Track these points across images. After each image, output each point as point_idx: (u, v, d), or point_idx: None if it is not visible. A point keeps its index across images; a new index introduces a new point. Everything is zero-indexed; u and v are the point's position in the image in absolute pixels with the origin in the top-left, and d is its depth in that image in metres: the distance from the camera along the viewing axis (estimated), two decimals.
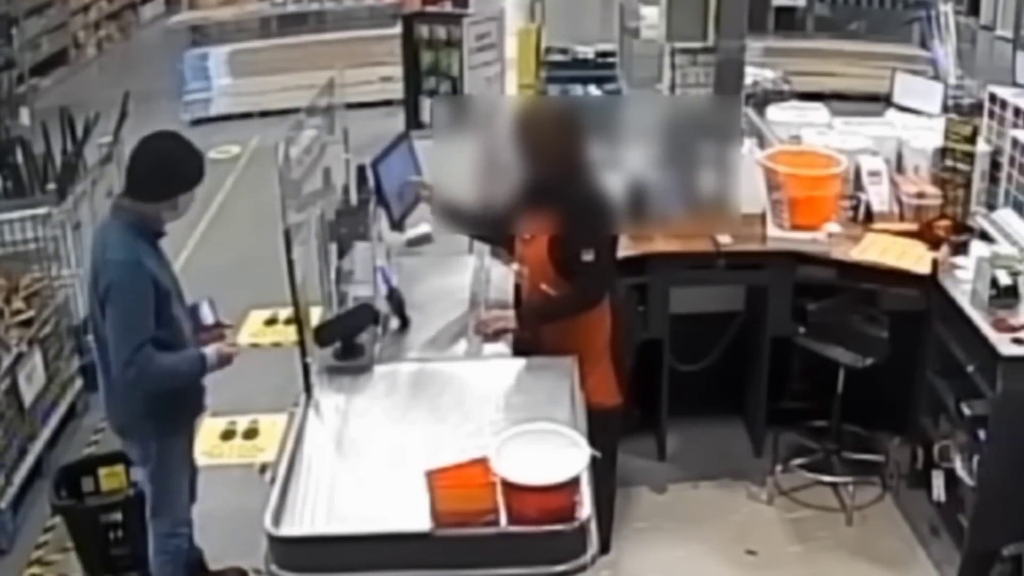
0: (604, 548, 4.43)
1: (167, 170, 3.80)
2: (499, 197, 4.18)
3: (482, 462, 3.05)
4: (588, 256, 3.96)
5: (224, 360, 3.95)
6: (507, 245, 4.37)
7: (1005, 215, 4.90)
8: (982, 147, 5.06)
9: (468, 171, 4.17)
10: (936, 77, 8.22)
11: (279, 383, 4.55)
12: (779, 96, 6.84)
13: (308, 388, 3.75)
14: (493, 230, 4.35)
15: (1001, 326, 4.13)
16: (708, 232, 4.81)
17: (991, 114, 5.20)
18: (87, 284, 3.92)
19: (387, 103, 9.68)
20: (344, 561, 3.04)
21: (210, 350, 3.91)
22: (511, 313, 4.15)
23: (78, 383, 5.83)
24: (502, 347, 4.11)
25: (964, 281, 4.42)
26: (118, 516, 4.45)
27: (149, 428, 3.94)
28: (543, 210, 4.01)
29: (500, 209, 4.18)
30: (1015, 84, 7.14)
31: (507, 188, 4.14)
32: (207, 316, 4.12)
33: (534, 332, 4.08)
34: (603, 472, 4.38)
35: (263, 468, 5.18)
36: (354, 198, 4.50)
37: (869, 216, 5.04)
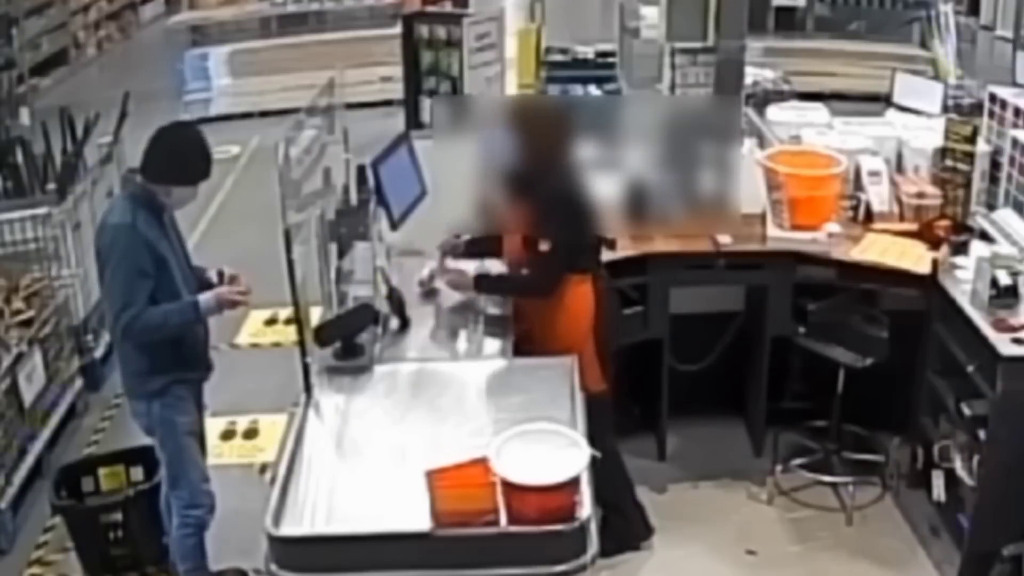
0: (648, 532, 4.63)
1: (172, 158, 3.92)
2: (492, 192, 4.22)
3: (482, 462, 3.05)
4: (544, 246, 4.05)
5: (225, 303, 4.01)
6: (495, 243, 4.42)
7: (1005, 215, 4.90)
8: (982, 147, 5.06)
9: (468, 171, 4.17)
10: (936, 77, 8.22)
11: (279, 383, 4.56)
12: (779, 96, 6.85)
13: (308, 388, 3.76)
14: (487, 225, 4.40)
15: (1001, 326, 4.13)
16: (708, 232, 4.81)
17: (991, 114, 5.20)
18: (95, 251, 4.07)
19: (387, 103, 9.69)
20: (344, 561, 3.04)
21: (206, 295, 3.97)
22: (470, 278, 4.27)
23: (78, 383, 5.83)
24: (502, 347, 4.12)
25: (964, 281, 4.42)
26: (118, 516, 4.45)
27: (152, 386, 4.01)
28: (520, 203, 4.09)
29: (490, 203, 4.23)
30: (1015, 84, 7.13)
31: (497, 183, 4.17)
32: (213, 277, 4.18)
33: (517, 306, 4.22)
34: (610, 466, 4.41)
35: (263, 468, 5.18)
36: (354, 198, 4.50)
37: (869, 216, 5.04)
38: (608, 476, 4.37)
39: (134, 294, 3.82)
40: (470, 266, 4.40)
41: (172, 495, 4.17)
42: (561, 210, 4.06)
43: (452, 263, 4.44)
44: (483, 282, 4.28)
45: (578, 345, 4.07)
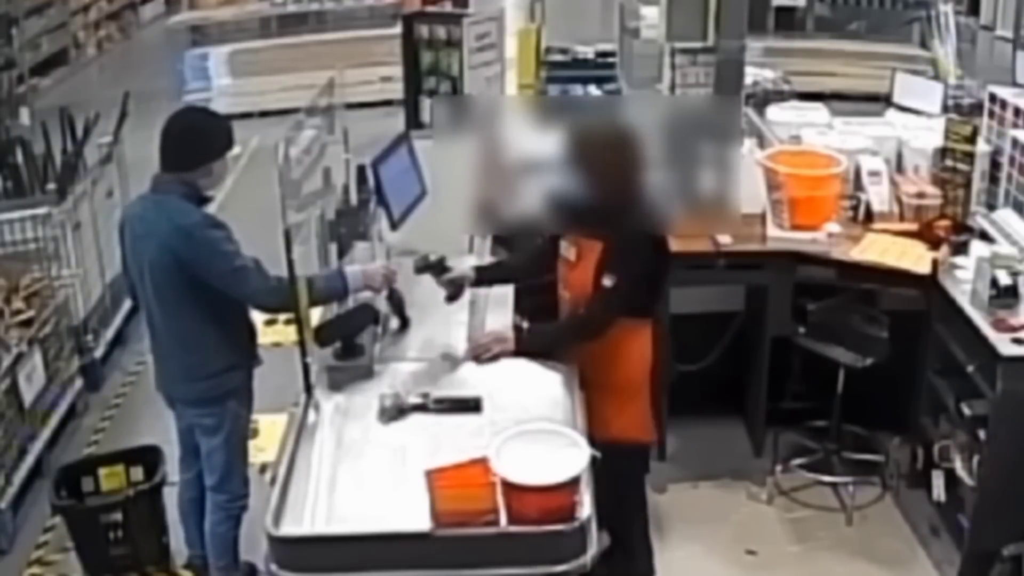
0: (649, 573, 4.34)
1: (198, 138, 3.91)
2: (508, 191, 4.12)
3: (482, 462, 3.05)
4: (608, 282, 3.78)
5: (371, 280, 3.98)
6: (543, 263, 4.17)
7: (1005, 215, 4.90)
8: (982, 147, 5.06)
9: (468, 171, 4.16)
10: (936, 77, 8.22)
11: (279, 383, 4.55)
12: (779, 96, 6.84)
13: (308, 388, 3.75)
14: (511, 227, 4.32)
15: (1001, 326, 4.13)
16: (708, 232, 4.81)
17: (991, 114, 5.20)
18: (151, 258, 3.86)
19: (387, 103, 9.68)
20: (344, 561, 3.04)
21: (353, 268, 3.95)
22: (510, 335, 3.96)
23: (78, 383, 5.83)
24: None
25: (964, 281, 4.42)
26: (118, 516, 4.46)
27: (232, 383, 4.04)
28: (591, 235, 3.86)
29: (510, 203, 4.13)
30: (1015, 84, 7.12)
31: (516, 183, 4.08)
32: None
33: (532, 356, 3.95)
34: (633, 507, 4.20)
35: (263, 468, 5.18)
36: (354, 198, 4.51)
37: (869, 216, 5.04)
38: (628, 514, 4.20)
39: (249, 265, 3.80)
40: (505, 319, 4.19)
41: (220, 489, 4.18)
42: (633, 248, 3.80)
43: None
44: (527, 341, 3.90)
45: (632, 395, 3.91)
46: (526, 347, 3.91)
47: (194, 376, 4.01)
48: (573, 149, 3.78)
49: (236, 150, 4.05)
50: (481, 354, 3.92)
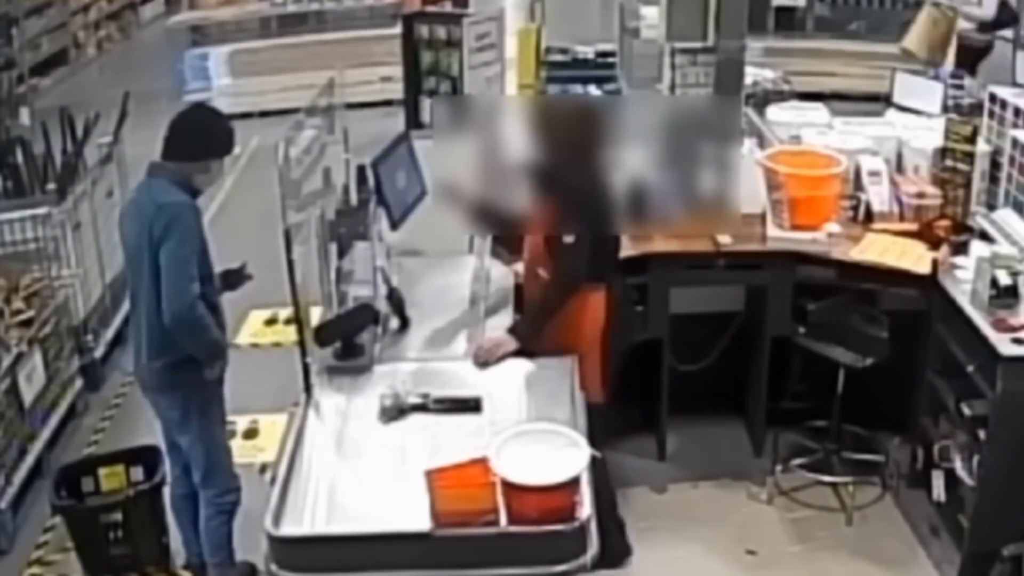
0: (625, 551, 4.46)
1: (201, 135, 4.01)
2: (506, 191, 4.19)
3: (482, 462, 3.06)
4: (568, 239, 4.02)
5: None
6: (513, 242, 4.39)
7: (1005, 215, 4.90)
8: (982, 147, 5.06)
9: (468, 170, 4.17)
10: (936, 77, 8.21)
11: (279, 383, 4.56)
12: (779, 96, 6.83)
13: (308, 388, 3.76)
14: (503, 225, 4.38)
15: (1001, 326, 4.13)
16: (708, 232, 4.81)
17: (991, 114, 5.20)
18: (135, 237, 3.95)
19: (387, 103, 9.69)
20: (344, 561, 3.04)
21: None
22: (507, 338, 4.04)
23: (78, 383, 5.84)
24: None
25: (964, 281, 4.42)
26: (118, 516, 4.46)
27: (195, 375, 4.03)
28: (541, 197, 4.06)
29: (508, 202, 4.20)
30: (1015, 84, 7.12)
31: (513, 183, 4.14)
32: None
33: (533, 341, 4.07)
34: (596, 478, 4.36)
35: (263, 468, 5.18)
36: (354, 198, 4.51)
37: (869, 216, 5.04)
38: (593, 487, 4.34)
39: (193, 271, 3.85)
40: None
41: (207, 483, 4.19)
42: (582, 201, 4.02)
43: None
44: (521, 329, 4.08)
45: (582, 354, 4.03)
46: (521, 336, 4.03)
47: (151, 356, 4.03)
48: (527, 121, 4.11)
49: (235, 150, 4.07)
50: (484, 358, 3.97)
